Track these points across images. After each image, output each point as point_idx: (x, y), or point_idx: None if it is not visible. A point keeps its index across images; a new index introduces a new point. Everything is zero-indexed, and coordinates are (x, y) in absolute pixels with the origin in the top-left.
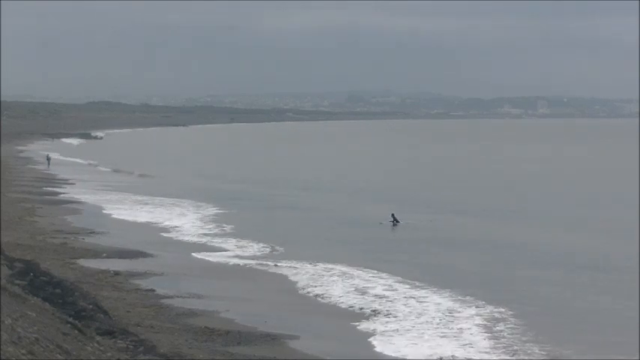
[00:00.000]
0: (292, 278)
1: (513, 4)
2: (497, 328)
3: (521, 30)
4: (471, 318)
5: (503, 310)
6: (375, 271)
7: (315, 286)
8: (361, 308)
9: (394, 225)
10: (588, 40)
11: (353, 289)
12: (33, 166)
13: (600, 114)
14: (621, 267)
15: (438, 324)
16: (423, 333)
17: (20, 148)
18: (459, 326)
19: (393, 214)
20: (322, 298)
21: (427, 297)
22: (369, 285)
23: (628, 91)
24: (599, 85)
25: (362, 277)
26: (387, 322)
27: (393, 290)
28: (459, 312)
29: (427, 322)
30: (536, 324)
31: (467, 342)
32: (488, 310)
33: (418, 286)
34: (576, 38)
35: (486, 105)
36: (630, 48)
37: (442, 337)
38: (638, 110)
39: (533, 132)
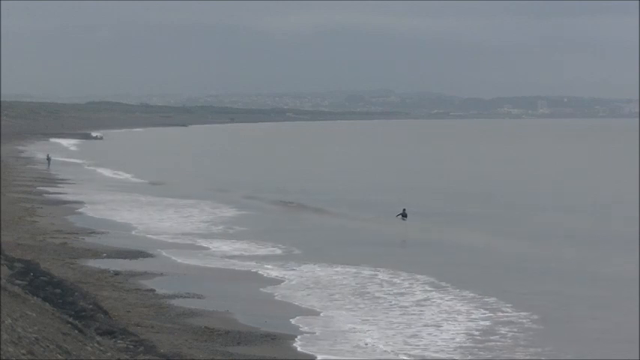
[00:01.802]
0: (297, 279)
1: (514, 4)
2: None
3: (521, 30)
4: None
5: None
6: (381, 271)
7: (320, 288)
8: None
9: (404, 218)
10: (588, 40)
11: (358, 289)
12: (33, 166)
13: (600, 114)
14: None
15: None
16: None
17: (20, 148)
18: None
19: (404, 209)
20: (324, 299)
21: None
22: (369, 286)
23: (628, 91)
24: (599, 85)
25: (368, 277)
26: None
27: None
28: (457, 317)
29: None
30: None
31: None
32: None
33: (431, 288)
34: (576, 38)
35: (486, 105)
36: (630, 48)
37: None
38: (638, 110)
39: (533, 132)
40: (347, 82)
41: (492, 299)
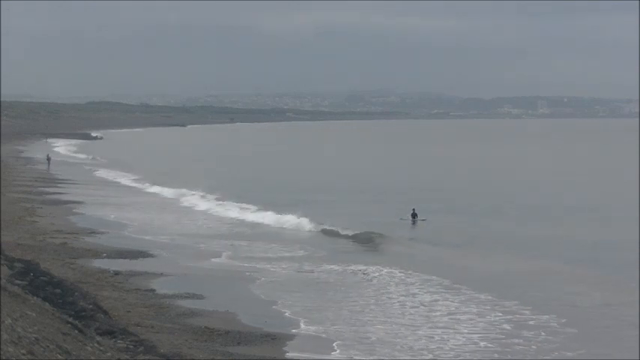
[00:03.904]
0: (304, 280)
1: (513, 4)
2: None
3: (521, 30)
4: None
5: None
6: (397, 272)
7: (328, 289)
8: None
9: (414, 222)
10: (588, 40)
11: (369, 290)
12: (33, 166)
13: (600, 114)
14: None
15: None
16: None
17: (20, 148)
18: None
19: (414, 209)
20: (331, 299)
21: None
22: (381, 287)
23: (628, 91)
24: (599, 85)
25: (380, 277)
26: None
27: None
28: (463, 317)
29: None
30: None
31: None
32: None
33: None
34: (576, 38)
35: (486, 105)
36: (630, 48)
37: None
38: (638, 110)
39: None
40: (347, 82)
41: (512, 302)
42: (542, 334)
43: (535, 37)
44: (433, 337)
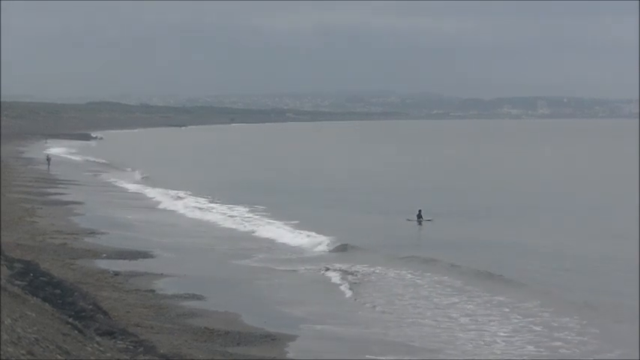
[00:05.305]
0: (309, 280)
1: (513, 4)
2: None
3: (521, 30)
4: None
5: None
6: (406, 271)
7: (332, 289)
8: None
9: (420, 223)
10: (588, 40)
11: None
12: (33, 167)
13: (600, 114)
14: None
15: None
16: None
17: (20, 148)
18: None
19: (420, 210)
20: (335, 300)
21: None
22: (391, 290)
23: (628, 91)
24: (599, 85)
25: (389, 279)
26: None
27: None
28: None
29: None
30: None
31: None
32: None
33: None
34: (576, 38)
35: (486, 105)
36: (630, 48)
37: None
38: (637, 110)
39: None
40: (347, 82)
41: (532, 304)
42: (573, 334)
43: (535, 38)
44: (477, 341)
